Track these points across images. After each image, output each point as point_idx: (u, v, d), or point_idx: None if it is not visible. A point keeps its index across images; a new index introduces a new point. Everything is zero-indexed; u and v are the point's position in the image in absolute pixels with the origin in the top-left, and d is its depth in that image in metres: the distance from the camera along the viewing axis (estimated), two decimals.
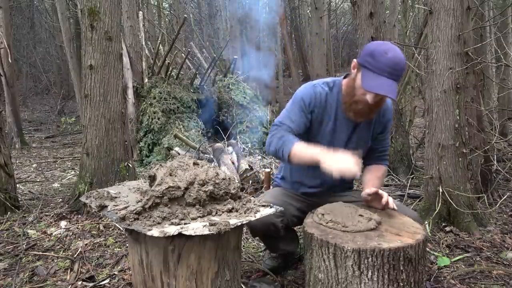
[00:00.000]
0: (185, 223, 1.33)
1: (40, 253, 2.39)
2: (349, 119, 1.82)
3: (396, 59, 1.57)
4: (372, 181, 1.89)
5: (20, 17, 14.34)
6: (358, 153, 1.62)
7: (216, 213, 1.44)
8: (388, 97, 1.59)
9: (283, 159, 1.76)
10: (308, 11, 13.80)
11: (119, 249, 2.47)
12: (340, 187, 2.04)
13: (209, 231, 1.26)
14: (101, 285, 2.02)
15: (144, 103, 5.98)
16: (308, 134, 1.84)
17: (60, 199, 3.58)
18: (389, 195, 1.75)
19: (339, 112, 1.83)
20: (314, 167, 1.94)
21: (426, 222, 2.66)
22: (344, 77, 1.87)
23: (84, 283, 2.04)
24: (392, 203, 1.72)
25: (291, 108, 1.83)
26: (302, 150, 1.69)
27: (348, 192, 2.05)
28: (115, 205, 1.46)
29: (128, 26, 6.46)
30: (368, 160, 2.01)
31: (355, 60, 1.69)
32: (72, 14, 11.55)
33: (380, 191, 1.73)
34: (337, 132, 1.86)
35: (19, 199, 3.37)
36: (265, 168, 4.01)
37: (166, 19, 15.42)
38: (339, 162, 1.55)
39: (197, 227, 1.28)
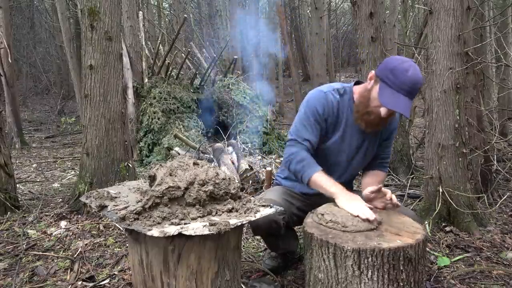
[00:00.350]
0: (185, 223, 1.33)
1: (40, 253, 2.39)
2: (359, 128, 1.83)
3: (416, 79, 1.60)
4: (372, 184, 1.89)
5: (20, 17, 14.33)
6: (376, 216, 1.59)
7: (216, 213, 1.44)
8: (403, 115, 1.64)
9: (301, 182, 1.83)
10: (308, 11, 13.80)
11: (119, 249, 2.47)
12: None
13: (209, 231, 1.26)
14: (101, 285, 2.02)
15: (144, 103, 5.98)
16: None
17: (60, 199, 3.58)
18: None
19: (350, 120, 1.84)
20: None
21: (426, 222, 2.66)
22: (355, 84, 1.88)
23: (84, 283, 2.04)
24: (395, 199, 1.73)
25: (305, 118, 1.83)
26: (322, 182, 1.74)
27: None
28: (115, 205, 1.46)
29: (128, 26, 6.46)
30: (369, 166, 2.02)
31: (372, 71, 1.71)
32: (72, 14, 11.54)
33: (384, 188, 1.75)
34: (346, 140, 1.88)
35: (19, 199, 3.37)
36: (265, 167, 4.01)
37: (166, 19, 15.42)
38: (353, 207, 1.59)
39: (197, 227, 1.28)
